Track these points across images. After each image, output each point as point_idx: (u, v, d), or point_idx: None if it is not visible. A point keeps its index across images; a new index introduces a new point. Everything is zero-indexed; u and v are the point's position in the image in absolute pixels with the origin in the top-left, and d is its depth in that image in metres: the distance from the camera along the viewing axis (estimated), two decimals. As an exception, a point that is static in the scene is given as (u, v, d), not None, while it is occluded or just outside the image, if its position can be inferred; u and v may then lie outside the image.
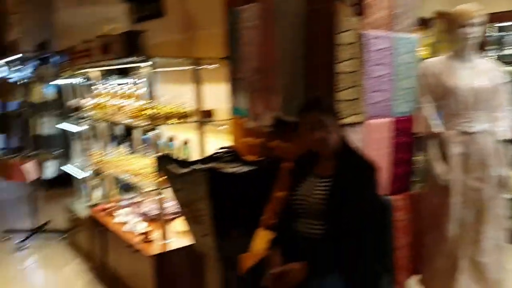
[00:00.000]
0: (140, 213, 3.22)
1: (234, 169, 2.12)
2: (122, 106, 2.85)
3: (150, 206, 3.30)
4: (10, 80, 3.92)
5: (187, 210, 2.12)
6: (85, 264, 3.72)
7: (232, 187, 1.96)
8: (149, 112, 2.50)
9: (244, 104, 2.53)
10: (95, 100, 3.28)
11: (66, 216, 4.21)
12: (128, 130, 4.54)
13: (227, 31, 2.60)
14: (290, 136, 2.32)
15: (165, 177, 2.17)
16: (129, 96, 2.86)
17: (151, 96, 2.56)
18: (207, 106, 2.82)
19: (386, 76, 2.32)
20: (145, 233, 2.75)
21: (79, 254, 3.93)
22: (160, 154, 2.23)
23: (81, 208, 3.89)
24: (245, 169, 2.15)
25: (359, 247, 1.79)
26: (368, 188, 1.83)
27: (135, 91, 2.87)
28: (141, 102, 2.66)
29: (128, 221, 3.10)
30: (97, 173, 3.95)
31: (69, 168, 4.04)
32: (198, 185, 1.91)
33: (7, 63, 7.28)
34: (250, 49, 2.39)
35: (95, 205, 3.54)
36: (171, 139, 3.22)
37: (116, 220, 3.16)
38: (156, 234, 2.79)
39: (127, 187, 4.22)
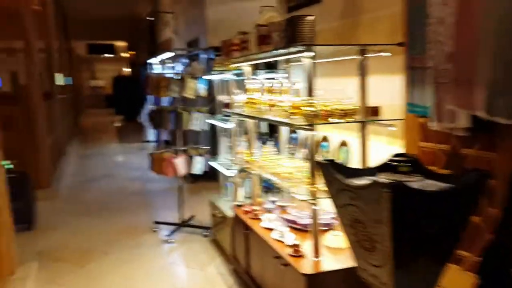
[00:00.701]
0: (287, 219, 2.95)
1: (420, 185, 1.65)
2: (275, 103, 2.59)
3: (298, 214, 3.01)
4: (166, 76, 4.02)
5: (354, 231, 1.73)
6: (227, 265, 3.64)
7: (420, 209, 1.51)
8: (306, 109, 2.17)
9: (424, 100, 2.02)
10: (245, 96, 3.11)
11: (210, 212, 4.23)
12: (272, 128, 4.36)
13: (406, 10, 2.12)
14: (498, 144, 1.75)
15: (329, 186, 1.81)
16: (282, 92, 2.59)
17: (309, 91, 2.23)
18: (372, 102, 2.38)
19: None
20: (295, 246, 2.45)
21: (222, 253, 3.87)
22: (324, 159, 1.87)
23: (225, 206, 3.83)
24: (433, 184, 1.67)
25: None
26: None
27: (289, 86, 2.59)
28: (297, 98, 2.35)
29: (275, 228, 2.85)
30: (242, 172, 3.83)
31: (216, 165, 4.01)
32: (376, 203, 1.50)
33: (161, 61, 7.89)
34: (440, 30, 1.88)
35: (240, 205, 3.40)
36: (324, 140, 2.87)
37: (263, 224, 2.94)
38: (306, 248, 2.46)
39: (270, 189, 4.04)
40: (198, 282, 3.41)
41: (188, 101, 4.14)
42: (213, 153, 4.32)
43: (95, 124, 16.24)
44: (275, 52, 2.53)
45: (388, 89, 2.45)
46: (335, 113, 2.23)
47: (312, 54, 2.19)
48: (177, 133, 4.21)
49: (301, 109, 2.27)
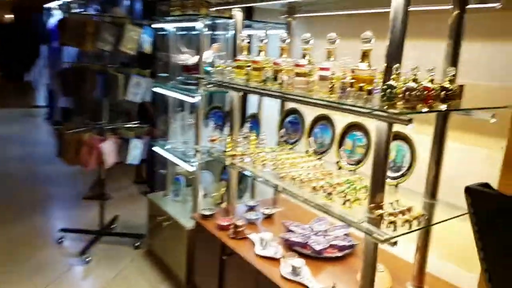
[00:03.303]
0: (291, 241, 2.12)
1: None
2: (310, 71, 1.71)
3: (301, 229, 2.21)
4: (96, 19, 2.85)
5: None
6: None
7: None
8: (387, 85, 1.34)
9: None
10: (239, 57, 2.15)
11: (147, 215, 3.21)
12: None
13: None
14: None
15: (488, 234, 1.02)
16: (330, 54, 1.69)
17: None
18: (459, 80, 1.63)
19: None
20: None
21: (167, 275, 2.92)
22: (478, 184, 1.06)
23: (175, 210, 2.88)
24: None
25: None
26: None
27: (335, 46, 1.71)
28: (363, 67, 1.50)
29: (279, 257, 2.01)
30: (212, 164, 2.90)
31: (164, 152, 3.00)
32: None
33: (63, 4, 6.29)
34: None
35: (209, 215, 2.48)
36: (355, 128, 2.08)
37: (258, 251, 2.08)
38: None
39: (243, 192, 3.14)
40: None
41: (128, 58, 3.04)
42: (159, 134, 3.27)
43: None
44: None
45: (489, 61, 1.73)
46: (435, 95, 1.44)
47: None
48: (105, 104, 3.07)
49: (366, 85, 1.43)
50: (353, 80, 1.48)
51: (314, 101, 1.62)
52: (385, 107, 1.36)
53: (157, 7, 3.18)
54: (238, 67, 2.15)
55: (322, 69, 1.65)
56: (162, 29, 3.13)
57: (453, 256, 1.94)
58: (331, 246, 2.11)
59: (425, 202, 1.77)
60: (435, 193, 1.76)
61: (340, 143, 2.12)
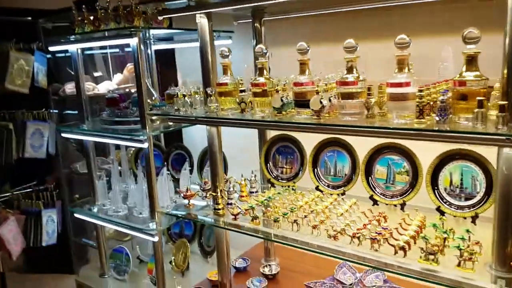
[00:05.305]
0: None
1: None
2: (353, 92, 1.26)
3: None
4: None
5: None
6: None
7: None
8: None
9: None
10: (223, 80, 1.58)
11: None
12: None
13: None
14: None
15: None
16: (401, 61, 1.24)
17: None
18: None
19: None
20: None
21: None
22: None
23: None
24: None
25: None
26: None
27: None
28: (470, 76, 1.10)
29: None
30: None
31: (92, 218, 2.24)
32: None
33: None
34: None
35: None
36: (389, 151, 1.70)
37: None
38: None
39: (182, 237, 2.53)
40: None
41: (15, 98, 2.21)
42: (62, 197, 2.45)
43: None
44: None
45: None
46: None
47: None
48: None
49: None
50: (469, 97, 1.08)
51: (408, 132, 1.17)
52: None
53: (38, 25, 2.34)
54: (223, 93, 1.59)
55: (394, 85, 1.21)
56: (56, 53, 2.35)
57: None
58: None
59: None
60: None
61: (367, 172, 1.72)
